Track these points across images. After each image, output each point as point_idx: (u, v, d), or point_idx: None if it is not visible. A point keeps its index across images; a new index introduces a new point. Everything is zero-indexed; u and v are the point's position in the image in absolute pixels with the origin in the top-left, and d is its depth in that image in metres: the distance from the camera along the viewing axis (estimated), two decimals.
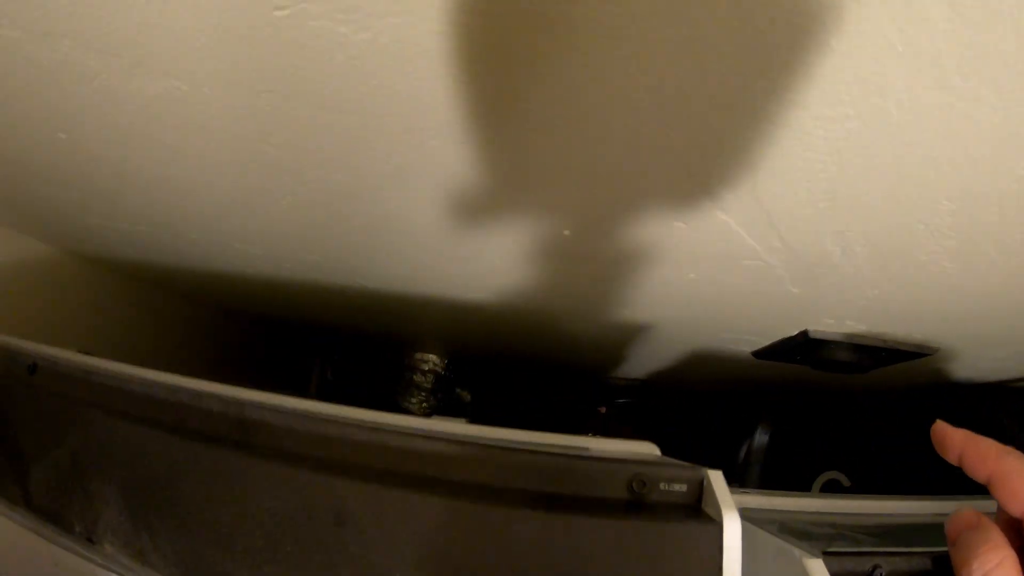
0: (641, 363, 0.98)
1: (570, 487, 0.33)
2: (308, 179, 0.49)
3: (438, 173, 0.43)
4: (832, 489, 0.96)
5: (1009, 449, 0.29)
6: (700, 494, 0.33)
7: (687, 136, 0.34)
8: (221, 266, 0.81)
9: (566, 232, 0.49)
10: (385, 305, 0.85)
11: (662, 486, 0.33)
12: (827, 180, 0.36)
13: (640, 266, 0.53)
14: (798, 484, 0.99)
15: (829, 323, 0.64)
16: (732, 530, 0.30)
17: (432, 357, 1.20)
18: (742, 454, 1.01)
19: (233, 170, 0.50)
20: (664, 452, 0.40)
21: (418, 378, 1.19)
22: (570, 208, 0.46)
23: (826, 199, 0.38)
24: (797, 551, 0.32)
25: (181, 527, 0.39)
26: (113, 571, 0.39)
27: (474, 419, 1.40)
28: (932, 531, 0.36)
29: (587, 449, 0.39)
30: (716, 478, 0.32)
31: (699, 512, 0.32)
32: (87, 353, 0.65)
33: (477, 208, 0.49)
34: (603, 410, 1.58)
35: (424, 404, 1.19)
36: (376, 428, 0.37)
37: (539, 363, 1.18)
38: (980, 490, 0.30)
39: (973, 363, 0.71)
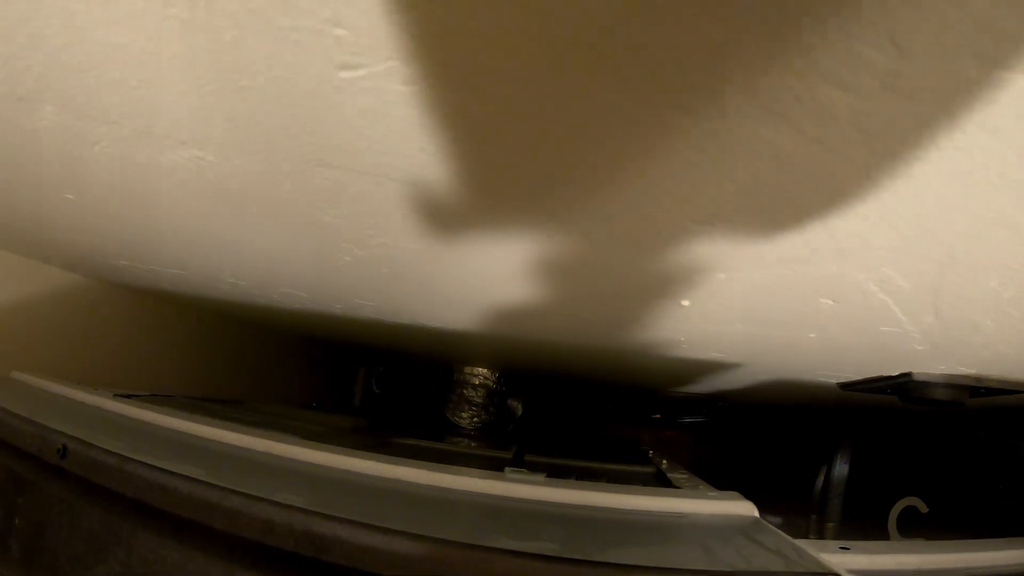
0: (710, 384, 0.92)
1: None
2: (369, 245, 0.43)
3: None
4: (910, 515, 0.90)
5: None
6: None
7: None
8: (263, 303, 0.76)
9: (684, 303, 0.43)
10: (440, 338, 0.79)
11: None
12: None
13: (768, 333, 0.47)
14: (874, 508, 0.92)
15: (941, 368, 0.56)
16: None
17: (483, 371, 1.15)
18: (819, 483, 0.94)
19: (281, 232, 0.45)
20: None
21: (469, 392, 1.15)
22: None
23: (1015, 288, 0.31)
24: None
25: None
26: None
27: (524, 427, 1.35)
28: None
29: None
30: None
31: None
32: (125, 396, 0.61)
33: (556, 265, 0.42)
34: (657, 416, 1.52)
35: (475, 419, 1.14)
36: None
37: (595, 376, 1.12)
38: None
39: None
